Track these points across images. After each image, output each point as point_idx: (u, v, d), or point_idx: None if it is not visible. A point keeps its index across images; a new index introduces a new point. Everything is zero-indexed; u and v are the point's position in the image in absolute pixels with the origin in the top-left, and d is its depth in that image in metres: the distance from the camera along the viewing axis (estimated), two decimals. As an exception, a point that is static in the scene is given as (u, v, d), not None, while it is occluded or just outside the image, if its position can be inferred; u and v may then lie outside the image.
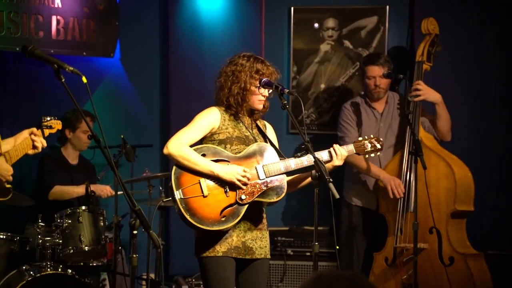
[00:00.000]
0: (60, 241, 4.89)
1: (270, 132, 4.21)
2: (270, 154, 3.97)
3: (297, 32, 6.19)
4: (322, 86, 6.20)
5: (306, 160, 3.91)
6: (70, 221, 4.95)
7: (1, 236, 4.78)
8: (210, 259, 3.89)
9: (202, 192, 3.84)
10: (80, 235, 4.95)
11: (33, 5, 5.76)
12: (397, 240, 5.14)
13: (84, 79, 3.23)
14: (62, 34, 5.92)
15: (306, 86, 6.20)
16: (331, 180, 3.63)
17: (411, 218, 5.00)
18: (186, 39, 6.19)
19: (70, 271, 4.77)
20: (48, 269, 4.70)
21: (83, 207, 5.05)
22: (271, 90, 3.97)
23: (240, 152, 3.96)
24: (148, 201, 5.59)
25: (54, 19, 5.88)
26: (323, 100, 6.19)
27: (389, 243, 5.23)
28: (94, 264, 5.13)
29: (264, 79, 3.96)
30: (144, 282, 5.71)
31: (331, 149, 3.95)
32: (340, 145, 5.29)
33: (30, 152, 3.71)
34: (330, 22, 6.15)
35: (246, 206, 3.88)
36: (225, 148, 3.96)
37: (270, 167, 3.92)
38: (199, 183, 3.86)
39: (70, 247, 4.92)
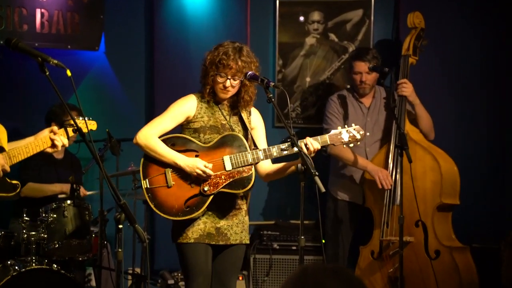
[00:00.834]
0: (45, 235, 4.86)
1: (256, 119, 4.23)
2: (240, 145, 4.01)
3: (282, 25, 6.18)
4: (308, 79, 6.19)
5: (276, 151, 3.95)
6: (55, 216, 4.92)
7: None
8: (184, 245, 4.03)
9: (167, 183, 3.98)
10: (65, 229, 4.92)
11: (17, -2, 5.72)
12: (383, 233, 5.15)
13: (69, 72, 3.23)
14: (47, 27, 5.87)
15: (292, 79, 6.20)
16: (317, 173, 3.66)
17: (397, 211, 5.01)
18: (172, 33, 6.16)
19: (55, 265, 4.74)
20: (33, 264, 4.67)
21: (68, 202, 5.02)
22: (236, 81, 4.01)
23: (211, 142, 4.02)
24: (134, 195, 5.57)
25: (38, 12, 5.83)
26: (309, 93, 6.18)
27: (375, 237, 5.24)
28: (80, 259, 5.08)
29: (249, 72, 3.97)
30: (130, 277, 5.69)
31: (304, 142, 3.92)
32: None
33: (49, 150, 3.64)
34: (316, 15, 6.14)
35: (211, 196, 3.96)
36: (198, 136, 4.04)
37: (237, 158, 3.97)
38: (165, 173, 3.98)
39: (55, 242, 4.89)
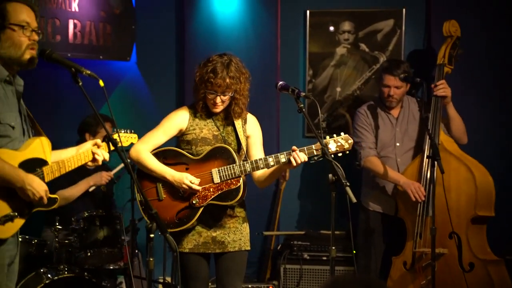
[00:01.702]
0: (77, 244, 4.90)
1: (251, 125, 4.29)
2: (229, 157, 4.09)
3: (312, 35, 6.17)
4: (338, 89, 6.17)
5: (262, 163, 4.03)
6: (87, 224, 4.97)
7: (19, 238, 4.79)
8: (180, 254, 4.06)
9: (158, 196, 4.11)
10: (97, 238, 4.97)
11: (50, 9, 5.78)
12: (416, 244, 5.10)
13: (101, 83, 3.26)
14: (79, 38, 5.94)
15: (322, 89, 6.19)
16: (348, 184, 3.65)
17: (430, 222, 4.95)
18: (202, 43, 6.19)
19: (86, 274, 4.78)
20: (65, 272, 4.72)
21: (100, 210, 5.07)
22: (226, 96, 4.08)
23: (202, 154, 4.11)
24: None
25: (71, 23, 5.90)
26: (339, 103, 6.17)
27: (408, 248, 5.19)
28: (111, 267, 5.12)
29: (280, 83, 4.00)
30: (160, 286, 5.71)
31: (291, 154, 3.99)
32: (357, 151, 5.30)
33: (90, 164, 3.62)
34: (346, 25, 6.13)
35: (201, 208, 4.07)
36: (191, 149, 4.15)
37: (225, 171, 4.06)
38: (156, 187, 4.12)
39: (87, 250, 4.93)
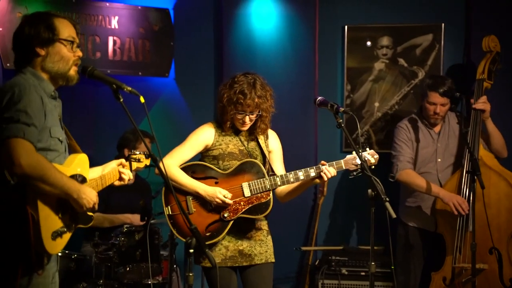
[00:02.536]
0: (116, 259, 4.94)
1: (273, 141, 4.34)
2: (258, 171, 4.14)
3: (350, 50, 6.17)
4: (376, 104, 6.16)
5: (292, 177, 4.07)
6: (126, 239, 5.00)
7: (58, 254, 4.84)
8: (207, 269, 4.16)
9: (188, 210, 4.12)
10: (136, 253, 4.99)
11: (90, 27, 5.88)
12: (456, 260, 5.06)
13: (142, 99, 3.27)
14: (119, 55, 6.02)
15: (360, 104, 6.17)
16: (387, 199, 3.64)
17: (470, 237, 4.91)
18: (240, 59, 6.22)
19: (126, 289, 4.82)
20: (105, 287, 4.75)
21: (139, 225, 5.09)
22: (254, 115, 4.14)
23: (230, 168, 4.14)
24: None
25: (110, 40, 5.99)
26: (377, 118, 6.15)
27: (447, 263, 5.14)
28: (150, 282, 5.15)
29: (319, 98, 4.02)
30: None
31: (321, 169, 4.04)
32: (394, 163, 5.27)
33: (116, 183, 3.61)
34: (385, 40, 6.12)
35: (231, 222, 4.10)
36: (217, 163, 4.19)
37: (255, 184, 4.10)
38: (186, 200, 4.14)
39: (126, 265, 4.96)
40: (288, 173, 4.10)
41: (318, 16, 6.22)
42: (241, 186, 4.11)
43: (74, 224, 3.28)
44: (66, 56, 3.27)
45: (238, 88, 4.12)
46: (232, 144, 4.22)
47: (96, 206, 3.30)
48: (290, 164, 4.43)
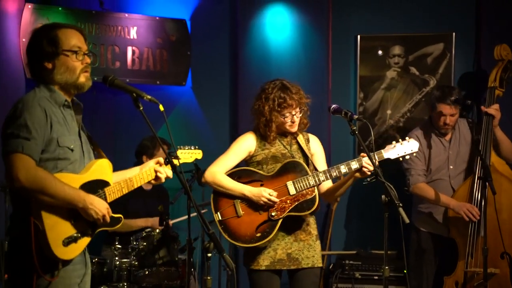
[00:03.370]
0: (136, 262, 5.04)
1: (314, 144, 4.42)
2: (301, 169, 4.20)
3: (363, 59, 6.28)
4: (388, 112, 6.25)
5: (335, 172, 4.13)
6: (145, 244, 5.10)
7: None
8: (254, 272, 4.23)
9: (237, 213, 4.20)
10: (155, 257, 5.09)
11: (110, 37, 6.02)
12: (468, 264, 5.12)
13: (161, 107, 3.30)
14: (137, 64, 6.15)
15: (373, 112, 6.27)
16: (401, 205, 3.69)
17: (481, 242, 4.98)
18: (255, 68, 6.32)
19: (145, 292, 4.91)
20: (125, 290, 4.85)
21: (158, 230, 5.20)
22: (298, 110, 4.21)
23: (274, 170, 4.22)
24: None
25: (129, 50, 6.13)
26: (390, 126, 6.24)
27: (459, 267, 5.20)
28: (168, 285, 5.24)
29: (333, 106, 4.09)
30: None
31: (362, 161, 4.08)
32: (406, 177, 5.33)
33: (153, 182, 3.61)
34: (396, 49, 6.22)
35: (280, 221, 4.16)
36: (261, 168, 4.27)
37: (300, 182, 4.17)
38: (234, 205, 4.21)
39: (146, 269, 5.06)
40: (330, 168, 4.16)
41: (331, 26, 6.32)
42: (286, 185, 4.17)
43: (91, 229, 3.32)
44: (72, 66, 3.31)
45: (275, 95, 4.22)
46: (274, 148, 4.30)
47: (108, 218, 3.30)
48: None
